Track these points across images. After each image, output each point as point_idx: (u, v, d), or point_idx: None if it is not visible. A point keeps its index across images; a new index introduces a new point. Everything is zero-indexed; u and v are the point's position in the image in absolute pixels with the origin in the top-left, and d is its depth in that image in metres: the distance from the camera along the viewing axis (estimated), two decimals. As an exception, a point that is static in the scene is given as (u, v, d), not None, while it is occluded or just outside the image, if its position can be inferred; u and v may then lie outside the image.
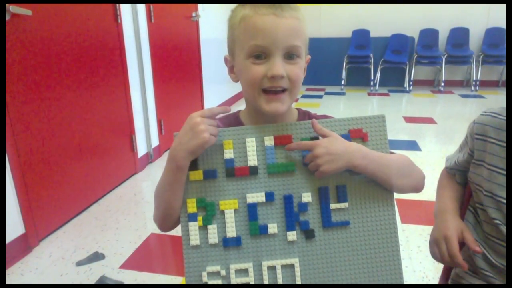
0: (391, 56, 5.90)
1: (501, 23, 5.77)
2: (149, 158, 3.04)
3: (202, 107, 3.94)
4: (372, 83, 6.02)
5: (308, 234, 0.74)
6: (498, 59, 5.59)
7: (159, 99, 3.11)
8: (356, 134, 0.75)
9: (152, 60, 2.97)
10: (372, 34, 6.05)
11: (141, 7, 2.79)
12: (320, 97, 5.68)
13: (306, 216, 0.74)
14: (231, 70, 0.81)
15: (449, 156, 0.98)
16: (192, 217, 0.74)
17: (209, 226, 0.74)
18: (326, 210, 0.74)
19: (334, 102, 5.36)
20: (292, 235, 0.73)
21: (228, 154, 0.74)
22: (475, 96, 5.51)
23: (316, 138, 0.74)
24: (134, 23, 2.71)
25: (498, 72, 6.07)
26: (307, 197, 0.74)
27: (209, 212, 0.74)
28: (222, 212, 0.74)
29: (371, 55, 5.92)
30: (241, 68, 0.76)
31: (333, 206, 0.74)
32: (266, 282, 0.73)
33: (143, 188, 2.65)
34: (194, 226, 0.74)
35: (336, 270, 0.74)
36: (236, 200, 0.74)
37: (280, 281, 0.73)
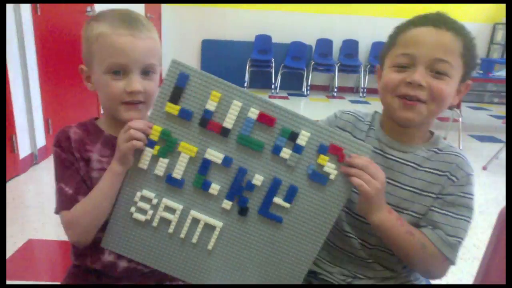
0: (290, 62, 6.25)
1: (385, 38, 6.40)
2: (34, 160, 2.85)
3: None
4: (273, 86, 6.31)
5: (242, 211, 0.77)
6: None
7: (46, 96, 2.92)
8: (334, 151, 0.74)
9: (39, 55, 2.79)
10: (274, 40, 6.34)
11: (24, -2, 2.61)
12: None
13: (248, 196, 0.77)
14: (88, 79, 0.84)
15: None
16: (151, 144, 0.75)
17: (161, 158, 0.76)
18: (268, 199, 0.76)
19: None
20: (227, 204, 0.77)
21: (211, 105, 0.73)
22: (362, 102, 6.08)
23: (295, 134, 0.74)
24: (15, 13, 2.53)
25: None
26: (258, 180, 0.76)
27: (167, 147, 0.75)
28: (178, 153, 0.76)
29: (273, 60, 6.20)
30: (100, 81, 0.80)
31: (276, 200, 0.76)
32: (185, 229, 0.78)
33: (24, 191, 2.48)
34: (148, 152, 0.76)
35: (247, 255, 0.79)
36: (196, 149, 0.75)
37: (196, 236, 0.78)
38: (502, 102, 6.50)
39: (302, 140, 0.74)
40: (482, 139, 4.34)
